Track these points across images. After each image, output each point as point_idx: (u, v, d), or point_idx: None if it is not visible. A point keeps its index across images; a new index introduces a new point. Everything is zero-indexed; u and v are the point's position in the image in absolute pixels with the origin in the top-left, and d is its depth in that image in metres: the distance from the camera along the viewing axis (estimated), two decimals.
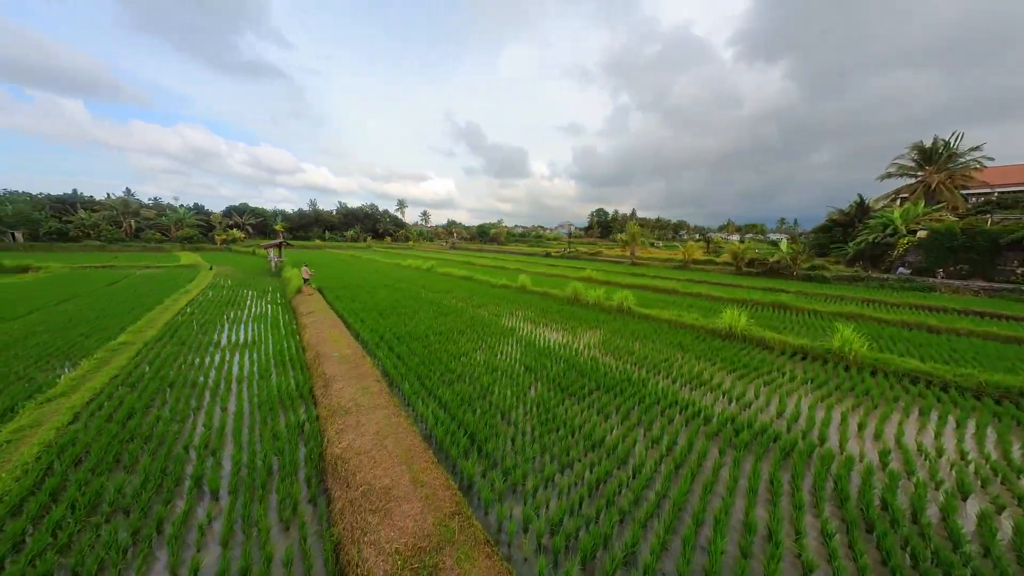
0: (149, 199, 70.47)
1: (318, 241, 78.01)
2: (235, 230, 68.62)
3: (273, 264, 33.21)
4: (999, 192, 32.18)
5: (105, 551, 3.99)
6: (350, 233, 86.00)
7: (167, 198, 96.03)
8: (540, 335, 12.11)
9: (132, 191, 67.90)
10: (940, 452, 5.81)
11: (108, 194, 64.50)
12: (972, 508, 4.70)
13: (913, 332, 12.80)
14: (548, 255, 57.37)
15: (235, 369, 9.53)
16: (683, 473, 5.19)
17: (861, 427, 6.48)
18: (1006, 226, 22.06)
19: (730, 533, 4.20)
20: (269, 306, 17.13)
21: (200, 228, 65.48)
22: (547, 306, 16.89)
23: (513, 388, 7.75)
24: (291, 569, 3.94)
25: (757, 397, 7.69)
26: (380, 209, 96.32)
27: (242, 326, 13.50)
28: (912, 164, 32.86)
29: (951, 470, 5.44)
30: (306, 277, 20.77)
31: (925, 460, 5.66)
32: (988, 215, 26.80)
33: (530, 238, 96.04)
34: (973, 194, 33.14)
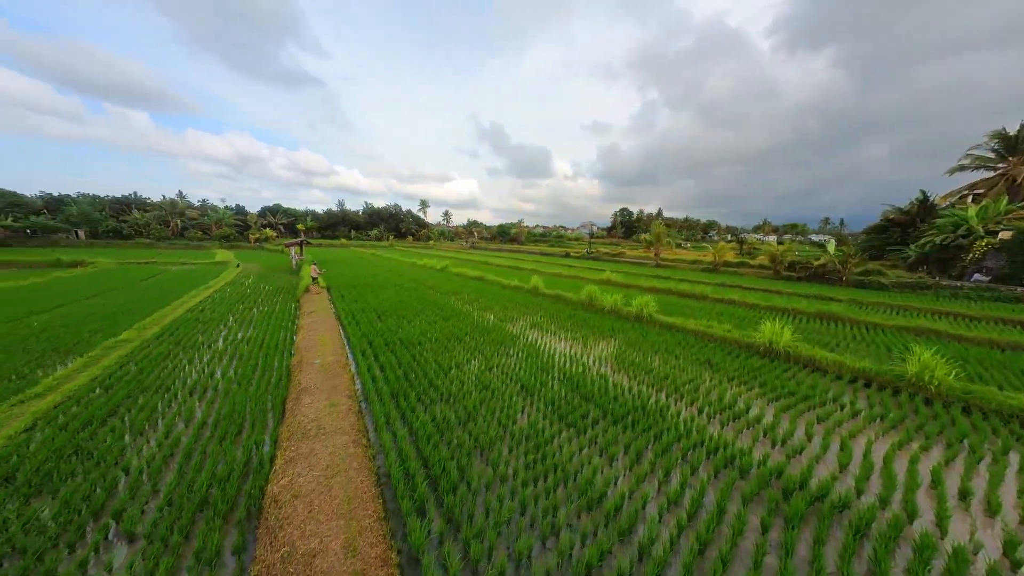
0: (199, 200, 74.80)
1: (344, 240, 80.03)
2: (268, 229, 71.57)
3: (294, 262, 33.81)
4: None
5: None
6: (374, 232, 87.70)
7: (215, 200, 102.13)
8: (546, 345, 10.80)
9: (184, 194, 72.32)
10: None
11: (163, 196, 69.08)
12: None
13: (1007, 355, 10.39)
14: (567, 255, 55.58)
15: (217, 373, 8.90)
16: (710, 558, 3.77)
17: (965, 494, 4.74)
18: None
19: None
20: (277, 304, 16.84)
21: (237, 227, 68.78)
22: (558, 311, 15.51)
23: (502, 413, 6.52)
24: None
25: (810, 439, 6.03)
26: (403, 209, 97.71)
27: (243, 325, 13.09)
28: (992, 155, 28.53)
29: None
30: (314, 276, 20.52)
31: None
32: None
33: (550, 238, 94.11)
34: None
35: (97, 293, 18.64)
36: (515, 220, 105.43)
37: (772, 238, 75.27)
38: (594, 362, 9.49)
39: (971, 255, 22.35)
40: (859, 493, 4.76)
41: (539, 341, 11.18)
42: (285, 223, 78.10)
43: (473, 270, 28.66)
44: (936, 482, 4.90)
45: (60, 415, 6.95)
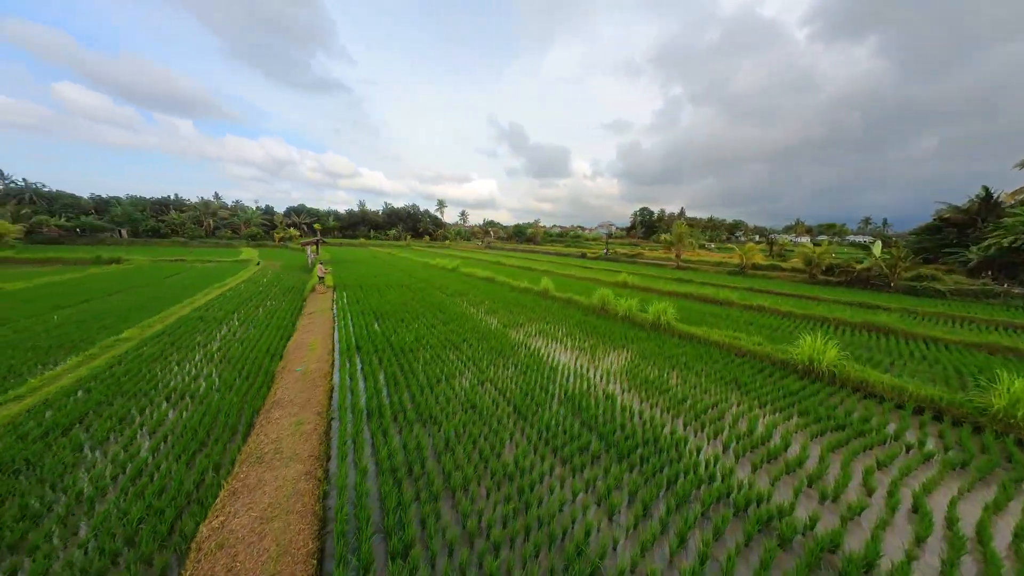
0: (233, 202, 78.14)
1: (363, 239, 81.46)
2: (292, 229, 73.81)
3: (310, 260, 34.33)
4: None
5: None
6: (392, 232, 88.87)
7: (248, 201, 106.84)
8: (549, 355, 9.77)
9: (219, 195, 75.75)
10: None
11: (200, 197, 72.54)
12: None
13: None
14: (583, 256, 53.99)
15: (201, 378, 8.44)
16: None
17: None
18: None
19: None
20: (283, 303, 16.63)
21: (264, 227, 71.31)
22: (568, 316, 14.41)
23: (486, 441, 5.59)
24: None
25: (870, 493, 4.74)
26: (421, 209, 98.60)
27: (244, 325, 12.79)
28: None
29: None
30: (321, 275, 20.31)
31: None
32: None
33: (567, 238, 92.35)
34: None
35: (122, 289, 19.08)
36: (533, 220, 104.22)
37: (806, 239, 70.54)
38: (601, 378, 8.39)
39: None
40: None
41: (542, 351, 10.16)
42: (308, 222, 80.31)
43: (484, 271, 27.88)
44: None
45: (29, 421, 6.57)
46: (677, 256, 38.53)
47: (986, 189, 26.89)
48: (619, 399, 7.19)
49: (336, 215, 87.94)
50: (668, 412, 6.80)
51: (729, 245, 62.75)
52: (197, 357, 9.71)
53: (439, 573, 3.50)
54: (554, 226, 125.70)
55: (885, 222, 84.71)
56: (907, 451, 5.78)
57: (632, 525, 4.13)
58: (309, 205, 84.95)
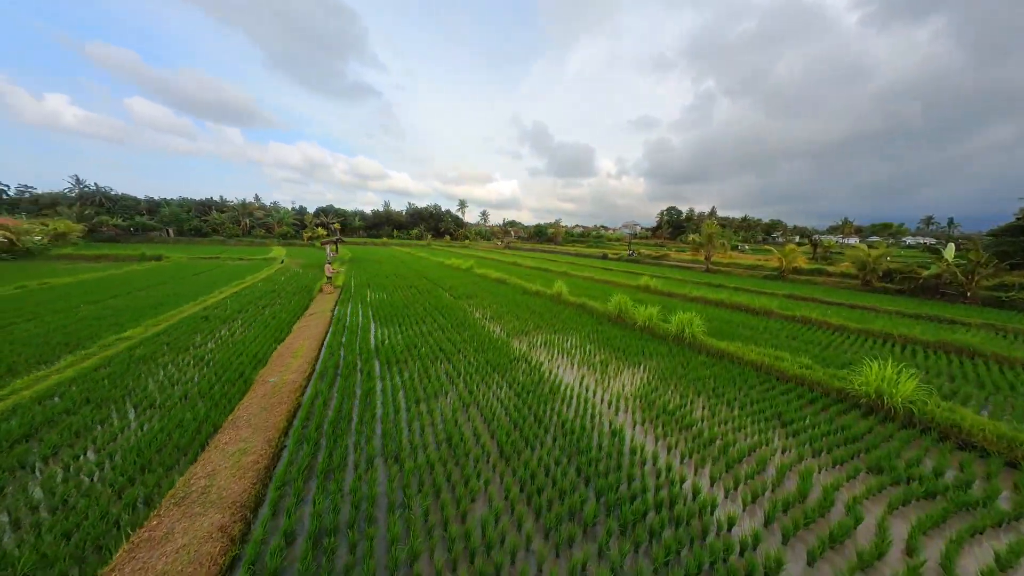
0: (271, 203, 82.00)
1: (385, 239, 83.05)
2: (320, 228, 76.39)
3: (329, 259, 34.81)
4: None
5: None
6: (414, 232, 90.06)
7: (285, 202, 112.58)
8: (552, 373, 8.52)
9: (259, 196, 79.86)
10: None
11: (243, 199, 76.67)
12: None
13: None
14: (605, 257, 51.76)
15: (178, 385, 7.89)
16: None
17: None
18: None
19: None
20: (292, 302, 16.38)
21: (295, 226, 74.34)
22: (580, 324, 13.05)
23: (451, 495, 4.47)
24: None
25: None
26: (443, 209, 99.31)
27: (245, 326, 12.45)
28: None
29: None
30: (329, 275, 20.06)
31: None
32: None
33: (589, 239, 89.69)
34: None
35: (150, 286, 19.60)
36: (553, 220, 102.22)
37: (855, 240, 64.25)
38: (609, 405, 7.04)
39: None
40: None
41: (544, 366, 8.93)
42: (336, 222, 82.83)
43: (498, 271, 26.86)
44: None
45: None
46: (707, 258, 35.82)
47: None
48: (628, 436, 5.86)
49: (362, 215, 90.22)
50: (691, 458, 5.39)
51: (766, 247, 58.16)
52: (185, 360, 9.26)
53: None
54: (576, 226, 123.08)
55: (951, 222, 75.80)
56: None
57: None
58: (339, 206, 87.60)
